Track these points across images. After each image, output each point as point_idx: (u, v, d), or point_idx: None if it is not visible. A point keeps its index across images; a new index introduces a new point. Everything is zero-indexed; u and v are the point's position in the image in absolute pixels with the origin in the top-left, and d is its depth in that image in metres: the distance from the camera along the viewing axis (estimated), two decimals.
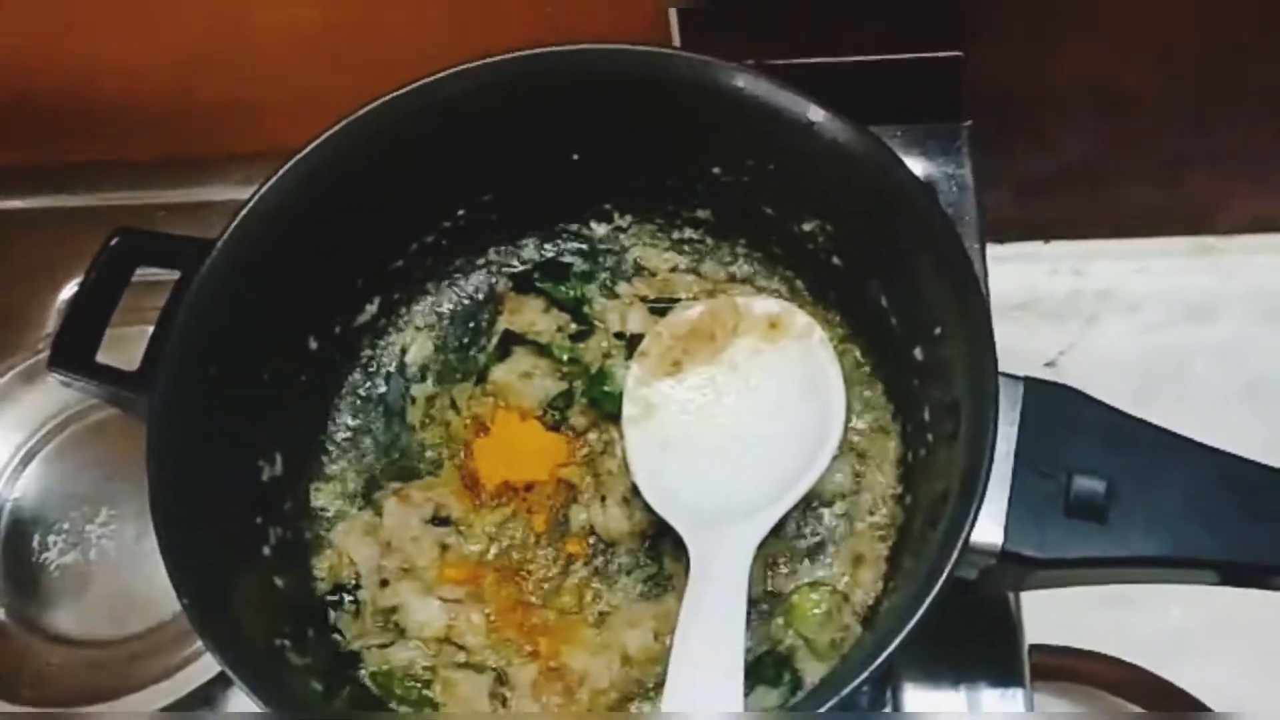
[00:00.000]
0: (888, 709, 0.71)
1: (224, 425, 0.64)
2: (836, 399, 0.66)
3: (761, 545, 0.62)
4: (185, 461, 0.61)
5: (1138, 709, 0.86)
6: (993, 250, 0.88)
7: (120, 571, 0.79)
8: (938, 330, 0.62)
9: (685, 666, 0.57)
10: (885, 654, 0.53)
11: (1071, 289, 1.07)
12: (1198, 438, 0.59)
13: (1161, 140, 1.00)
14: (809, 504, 0.68)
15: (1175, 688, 0.84)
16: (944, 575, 0.53)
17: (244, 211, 0.65)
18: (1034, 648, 0.75)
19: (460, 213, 0.74)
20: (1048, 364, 1.03)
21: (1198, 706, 0.84)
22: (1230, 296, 1.07)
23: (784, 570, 0.67)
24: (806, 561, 0.68)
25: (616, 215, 0.77)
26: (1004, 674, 0.72)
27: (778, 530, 0.64)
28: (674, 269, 0.76)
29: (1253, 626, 0.92)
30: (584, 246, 0.77)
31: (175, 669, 0.72)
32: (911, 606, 0.54)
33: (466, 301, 0.77)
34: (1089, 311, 1.06)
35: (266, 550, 0.65)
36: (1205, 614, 0.93)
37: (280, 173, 0.66)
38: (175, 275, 0.65)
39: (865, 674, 0.53)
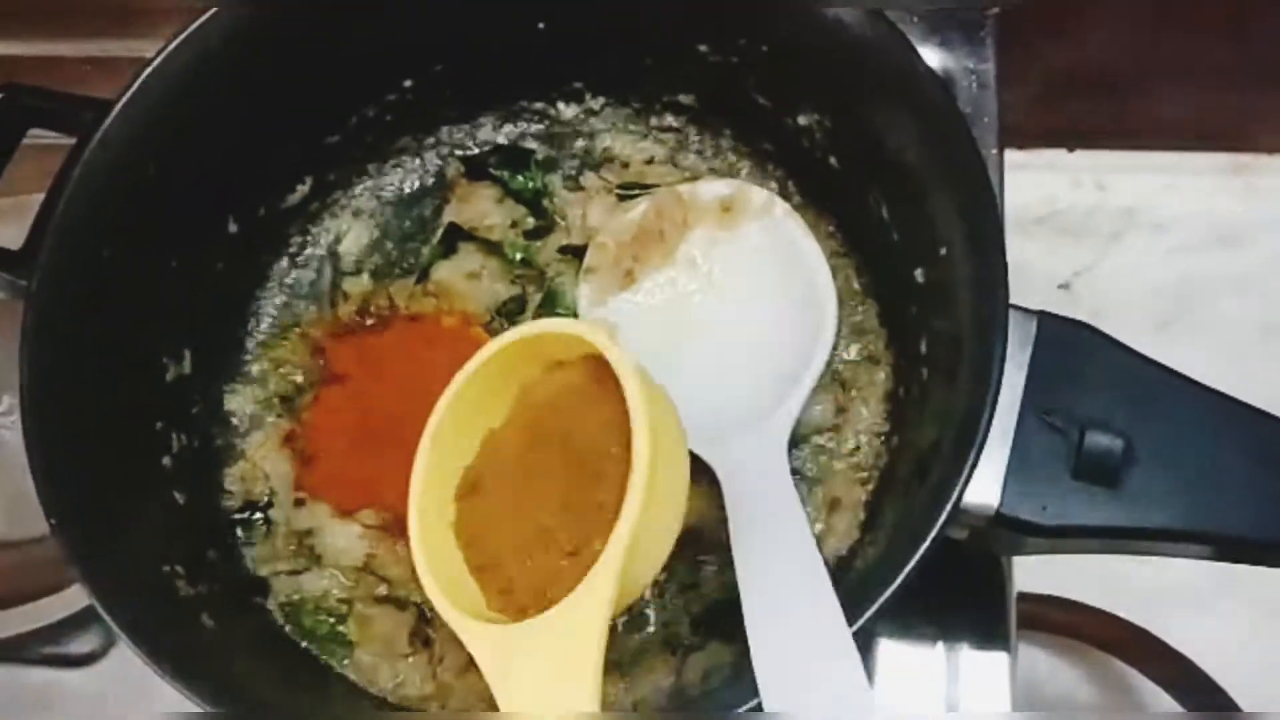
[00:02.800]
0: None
1: (121, 316, 0.57)
2: (819, 271, 0.59)
3: None
4: (70, 357, 0.54)
5: (1143, 672, 0.80)
6: (1011, 157, 0.79)
7: (22, 467, 0.71)
8: (943, 250, 0.54)
9: (759, 595, 0.49)
10: (858, 623, 0.46)
11: (1094, 204, 0.98)
12: (1215, 375, 0.51)
13: (1201, 46, 0.90)
14: None
15: (1169, 647, 0.78)
16: (928, 540, 0.46)
17: (148, 69, 0.57)
18: (1020, 596, 0.68)
19: (407, 83, 0.65)
20: (1062, 285, 0.95)
21: (1190, 666, 0.78)
22: (1263, 222, 0.98)
23: None
24: None
25: (588, 96, 0.68)
26: (988, 630, 0.65)
27: None
28: (649, 160, 0.67)
29: (1249, 583, 0.85)
30: (548, 130, 0.68)
31: (65, 583, 0.64)
32: (890, 570, 0.47)
33: (411, 186, 0.68)
34: (1110, 230, 0.97)
35: (166, 460, 0.58)
36: (1201, 568, 0.86)
37: (195, 25, 0.58)
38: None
39: None
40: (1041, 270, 0.95)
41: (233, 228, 0.62)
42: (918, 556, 0.46)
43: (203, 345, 0.61)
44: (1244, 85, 0.94)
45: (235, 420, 0.63)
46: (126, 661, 0.67)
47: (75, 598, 0.65)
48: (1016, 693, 0.65)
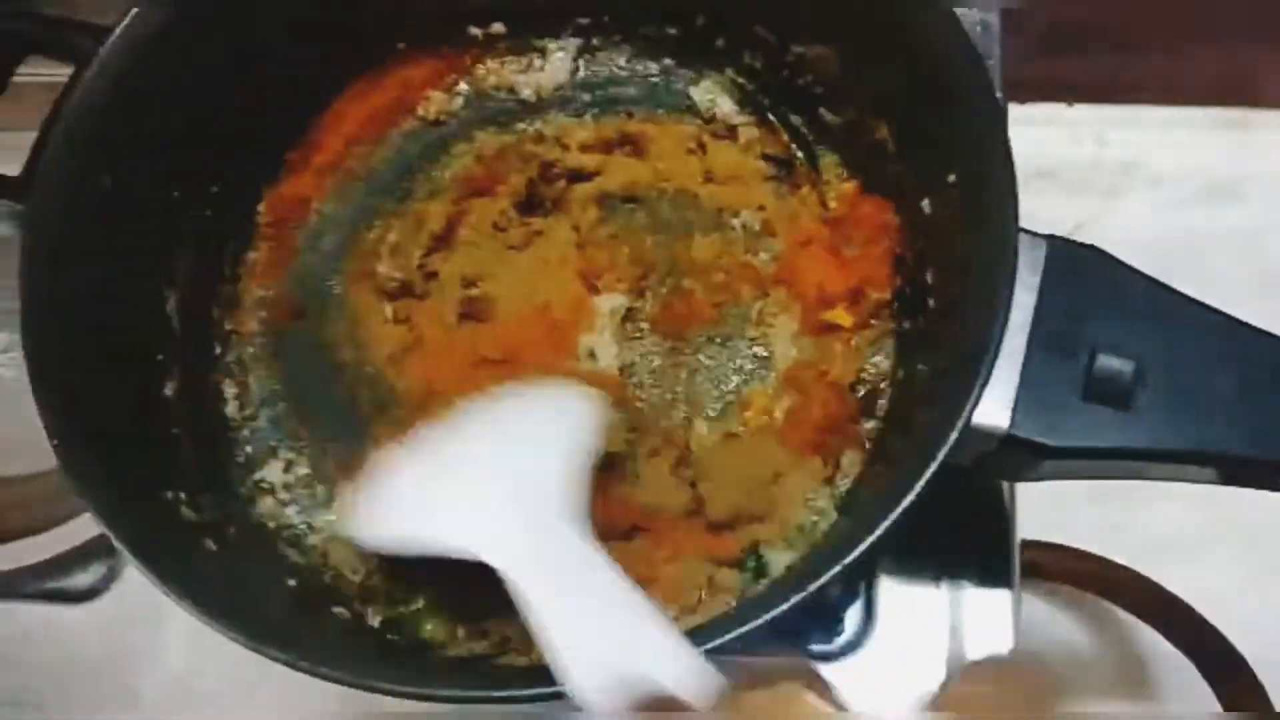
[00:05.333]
0: (859, 601, 0.65)
1: (120, 244, 0.56)
2: None
3: None
4: (69, 282, 0.53)
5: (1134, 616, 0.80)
6: (1010, 111, 0.79)
7: (21, 404, 0.71)
8: (951, 177, 0.53)
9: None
10: (863, 546, 0.46)
11: (1093, 158, 0.97)
12: None
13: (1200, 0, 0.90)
14: None
15: (1168, 593, 0.78)
16: (936, 461, 0.46)
17: None
18: (1021, 543, 0.69)
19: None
20: None
21: (1191, 613, 0.78)
22: (1262, 177, 0.98)
23: None
24: None
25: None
26: (991, 570, 0.65)
27: None
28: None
29: (1250, 530, 0.86)
30: None
31: (65, 517, 0.64)
32: (897, 493, 0.46)
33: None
34: (1110, 184, 0.97)
35: (168, 390, 0.57)
36: (1202, 515, 0.87)
37: None
38: None
39: (838, 567, 0.46)
40: (1041, 224, 0.94)
41: (235, 160, 0.62)
42: (925, 477, 0.45)
43: (203, 276, 0.61)
44: (1242, 39, 0.94)
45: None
46: (127, 596, 0.67)
47: (75, 533, 0.64)
48: (1019, 633, 0.65)
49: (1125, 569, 0.80)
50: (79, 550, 0.64)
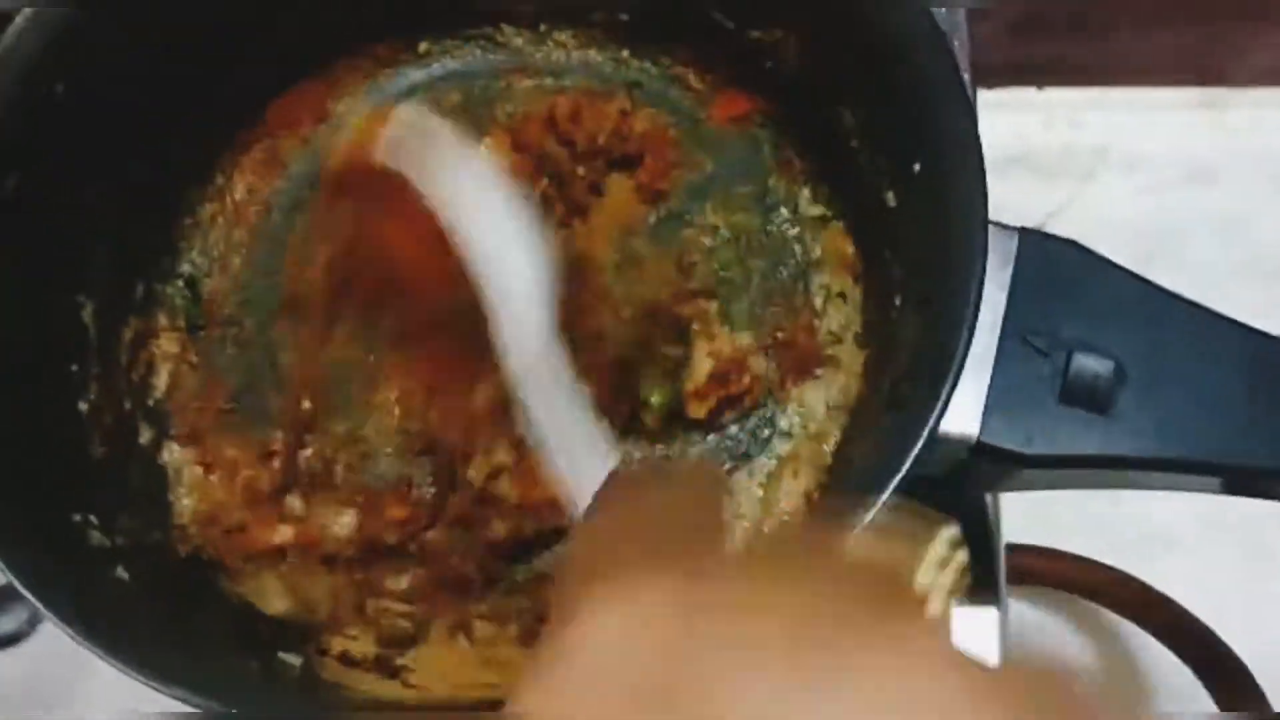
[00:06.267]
0: None
1: (31, 247, 0.52)
2: None
3: None
4: None
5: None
6: (981, 96, 0.76)
7: None
8: (916, 166, 0.50)
9: None
10: None
11: (1066, 143, 0.95)
12: None
13: None
14: None
15: (1158, 594, 0.75)
16: (902, 471, 0.42)
17: None
18: (1005, 547, 0.65)
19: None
20: (1037, 226, 0.92)
21: (1184, 614, 0.75)
22: (1238, 157, 0.96)
23: None
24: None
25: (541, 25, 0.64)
26: (976, 585, 0.61)
27: None
28: None
29: (1243, 527, 0.83)
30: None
31: None
32: (857, 510, 0.43)
33: None
34: (1084, 169, 0.94)
35: (83, 405, 0.54)
36: (1193, 512, 0.84)
37: None
38: None
39: None
40: (1015, 211, 0.91)
41: (150, 165, 0.58)
42: (890, 488, 0.42)
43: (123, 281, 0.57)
44: (1214, 18, 0.91)
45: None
46: (56, 639, 0.63)
47: None
48: (1007, 648, 0.62)
49: (1114, 570, 0.77)
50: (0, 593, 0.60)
